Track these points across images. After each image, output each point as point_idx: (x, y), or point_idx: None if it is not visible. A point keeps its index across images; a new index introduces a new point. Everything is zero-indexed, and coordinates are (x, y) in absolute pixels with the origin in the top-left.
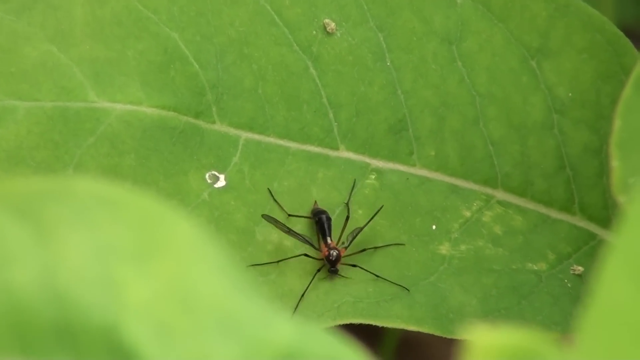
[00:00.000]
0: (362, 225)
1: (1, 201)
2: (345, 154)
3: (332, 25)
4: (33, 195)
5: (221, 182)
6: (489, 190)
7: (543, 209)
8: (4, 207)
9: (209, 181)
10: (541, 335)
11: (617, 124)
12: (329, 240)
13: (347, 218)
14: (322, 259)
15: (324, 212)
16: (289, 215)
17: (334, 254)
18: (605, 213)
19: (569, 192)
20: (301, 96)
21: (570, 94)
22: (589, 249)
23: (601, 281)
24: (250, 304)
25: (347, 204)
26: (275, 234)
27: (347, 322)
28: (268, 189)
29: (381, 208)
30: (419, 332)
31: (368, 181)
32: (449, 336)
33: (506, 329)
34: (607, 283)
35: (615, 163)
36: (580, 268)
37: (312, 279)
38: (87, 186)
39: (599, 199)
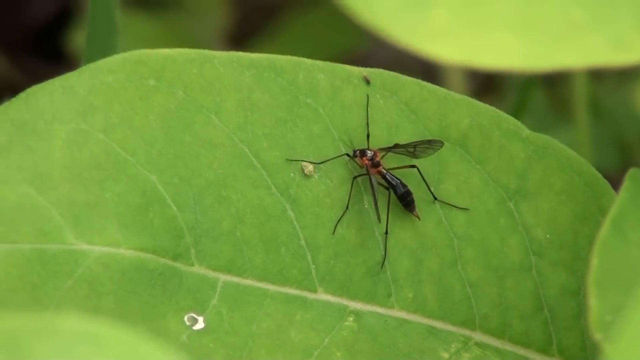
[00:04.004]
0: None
1: None
2: (323, 296)
3: (310, 167)
4: (19, 333)
5: (200, 325)
6: (467, 332)
7: (521, 351)
8: None
9: (187, 323)
10: None
11: (595, 262)
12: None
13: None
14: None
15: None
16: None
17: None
18: (584, 354)
19: (547, 333)
20: (279, 238)
21: (548, 236)
22: None
23: None
24: None
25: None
26: None
27: None
28: None
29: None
30: None
31: (346, 323)
32: None
33: None
34: None
35: (592, 301)
36: None
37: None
38: (71, 323)
39: (577, 340)
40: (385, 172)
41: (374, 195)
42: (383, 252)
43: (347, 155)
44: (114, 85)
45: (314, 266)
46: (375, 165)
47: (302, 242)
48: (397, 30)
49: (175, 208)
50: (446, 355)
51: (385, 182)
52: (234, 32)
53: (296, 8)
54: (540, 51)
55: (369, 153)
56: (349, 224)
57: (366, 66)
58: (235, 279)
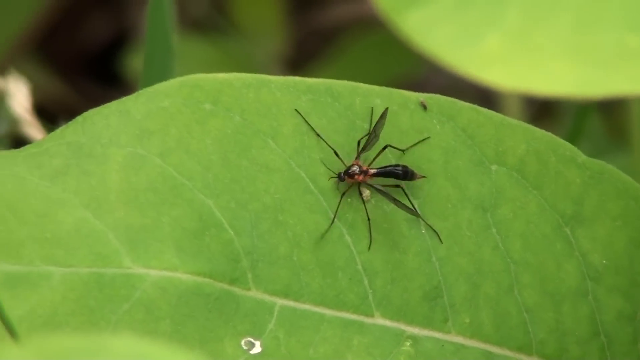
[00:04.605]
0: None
1: (41, 357)
2: (380, 320)
3: (367, 192)
4: (71, 352)
5: (257, 349)
6: (523, 357)
7: None
8: None
9: (244, 347)
10: None
11: None
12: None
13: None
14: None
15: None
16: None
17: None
18: None
19: (603, 358)
20: (336, 263)
21: (604, 261)
22: None
23: None
24: None
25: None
26: None
27: None
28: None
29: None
30: None
31: (403, 348)
32: None
33: None
34: None
35: None
36: None
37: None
38: (124, 342)
39: None
40: (375, 170)
41: (388, 197)
42: (414, 211)
43: (343, 194)
44: (170, 110)
45: (371, 291)
46: (365, 173)
47: (359, 267)
48: (452, 57)
49: (232, 232)
50: None
51: (384, 176)
52: (291, 57)
53: (353, 33)
54: (594, 78)
55: (355, 168)
56: (406, 249)
57: (422, 91)
58: (292, 304)
